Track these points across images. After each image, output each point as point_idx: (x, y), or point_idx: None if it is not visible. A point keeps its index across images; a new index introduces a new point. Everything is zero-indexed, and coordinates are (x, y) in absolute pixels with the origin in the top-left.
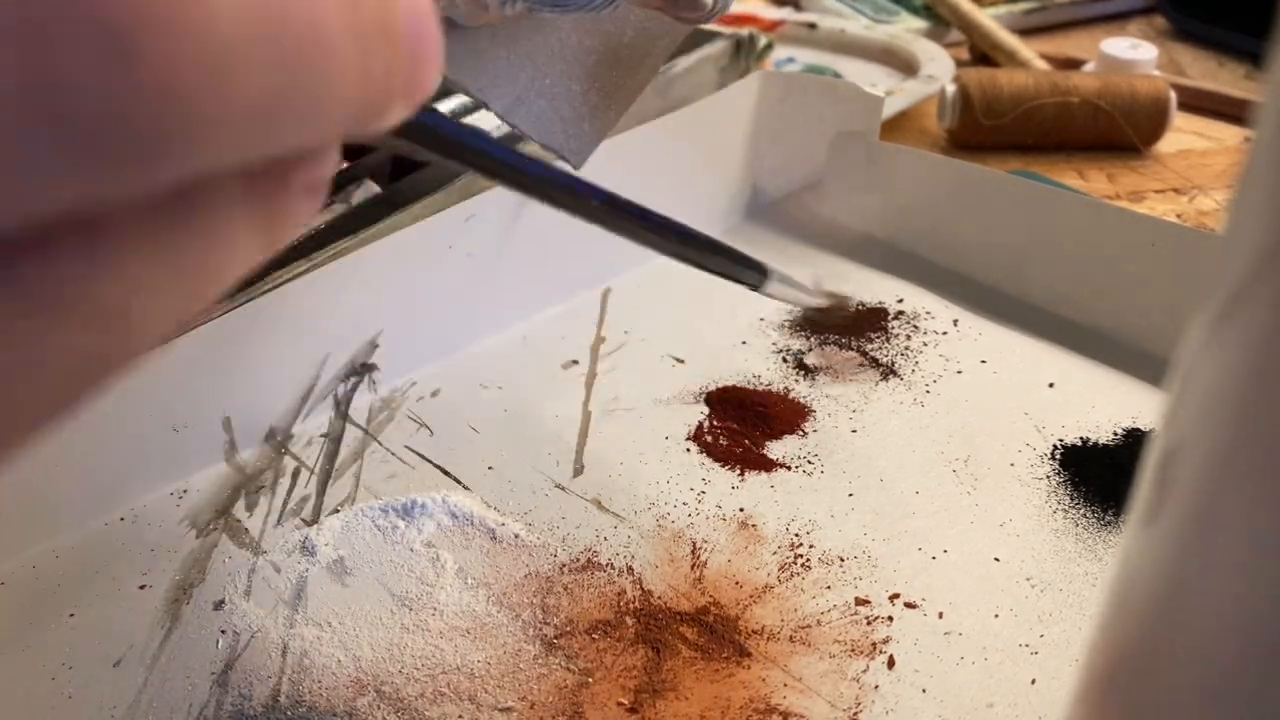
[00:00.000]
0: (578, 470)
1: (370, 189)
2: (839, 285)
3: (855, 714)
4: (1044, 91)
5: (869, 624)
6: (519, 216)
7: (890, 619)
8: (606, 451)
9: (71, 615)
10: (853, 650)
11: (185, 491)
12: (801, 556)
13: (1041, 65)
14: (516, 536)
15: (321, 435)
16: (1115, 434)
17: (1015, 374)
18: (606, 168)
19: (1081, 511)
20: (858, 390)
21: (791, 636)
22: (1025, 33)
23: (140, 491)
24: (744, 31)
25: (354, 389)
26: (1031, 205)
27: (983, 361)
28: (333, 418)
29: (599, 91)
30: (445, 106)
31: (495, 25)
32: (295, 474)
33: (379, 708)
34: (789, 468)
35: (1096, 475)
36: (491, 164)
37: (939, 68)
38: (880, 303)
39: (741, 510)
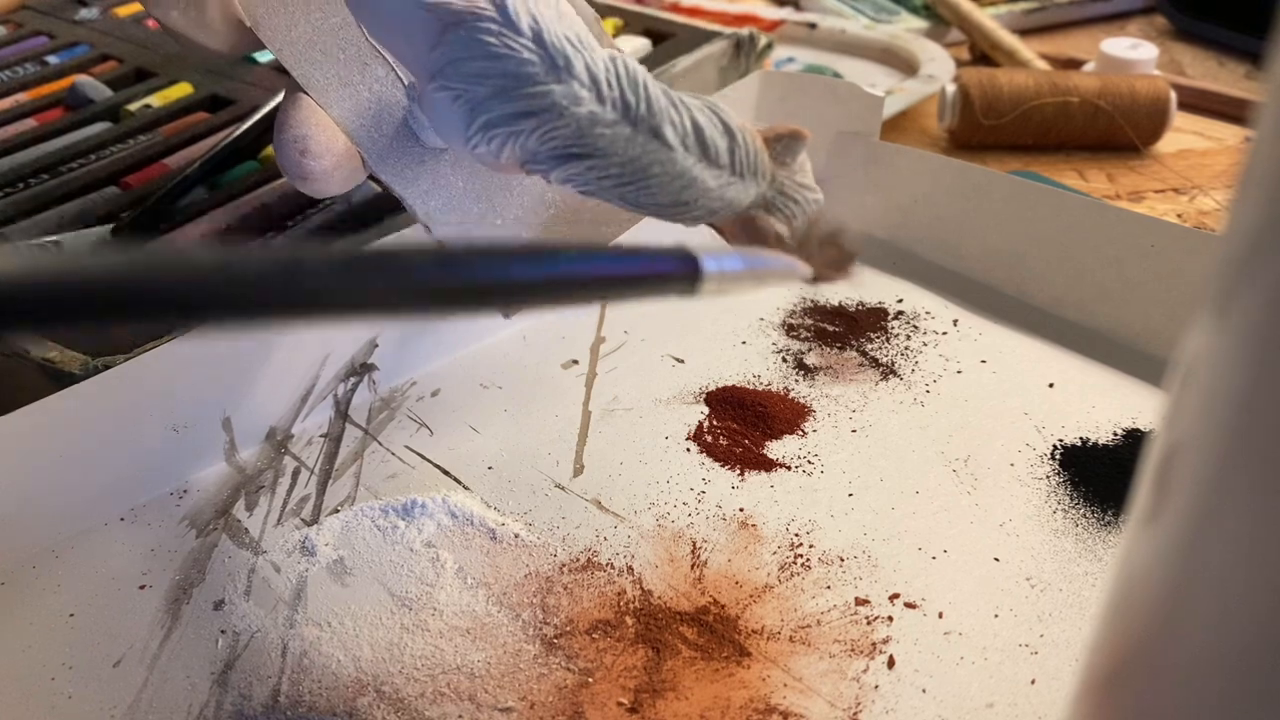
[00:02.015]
0: (578, 470)
1: (370, 189)
2: (839, 284)
3: (855, 714)
4: (1044, 91)
5: (869, 624)
6: None
7: (890, 619)
8: (606, 451)
9: (71, 615)
10: (853, 650)
11: (185, 491)
12: (801, 556)
13: (1041, 65)
14: (516, 536)
15: (321, 435)
16: (1115, 434)
17: (1015, 374)
18: None
19: (1081, 512)
20: (857, 390)
21: (791, 636)
22: (1025, 32)
23: (140, 491)
24: (744, 31)
25: (354, 389)
26: (1032, 205)
27: (983, 361)
28: (333, 417)
29: None
30: None
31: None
32: (295, 474)
33: (379, 707)
34: (789, 467)
35: (1096, 475)
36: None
37: (939, 67)
38: (880, 303)
39: (741, 510)
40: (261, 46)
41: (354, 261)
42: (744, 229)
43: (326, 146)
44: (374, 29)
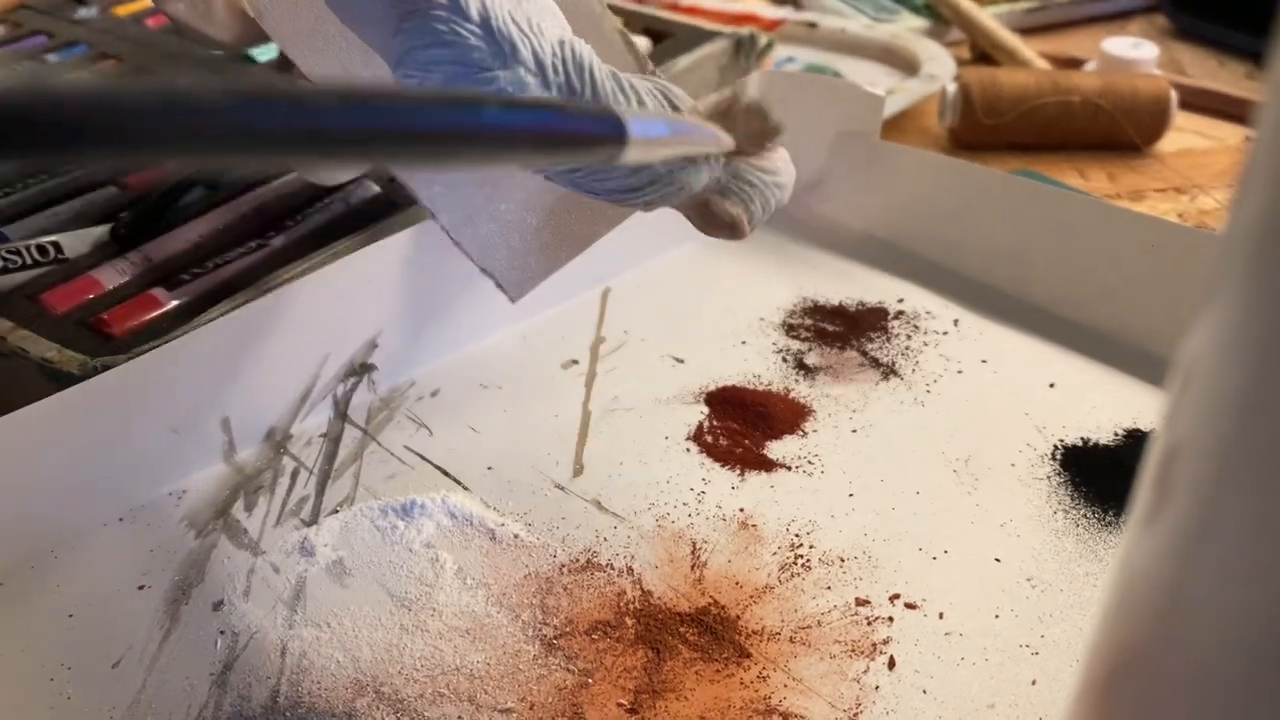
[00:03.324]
0: (578, 470)
1: (370, 189)
2: (840, 284)
3: (855, 714)
4: (1045, 90)
5: (869, 624)
6: None
7: (891, 619)
8: (606, 451)
9: (71, 615)
10: (853, 651)
11: (184, 492)
12: (802, 557)
13: (1042, 64)
14: (516, 537)
15: (321, 435)
16: (1116, 434)
17: (1016, 374)
18: None
19: (1082, 512)
20: (858, 390)
21: (792, 637)
22: (1026, 32)
23: (139, 492)
24: (744, 31)
25: (353, 389)
26: (1032, 205)
27: (983, 361)
28: (332, 418)
29: (553, 230)
30: None
31: None
32: (294, 474)
33: (378, 708)
34: (789, 468)
35: (1097, 475)
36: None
37: (940, 67)
38: (881, 302)
39: (741, 510)
40: (266, 38)
41: (253, 99)
42: (700, 213)
43: None
44: (344, 17)
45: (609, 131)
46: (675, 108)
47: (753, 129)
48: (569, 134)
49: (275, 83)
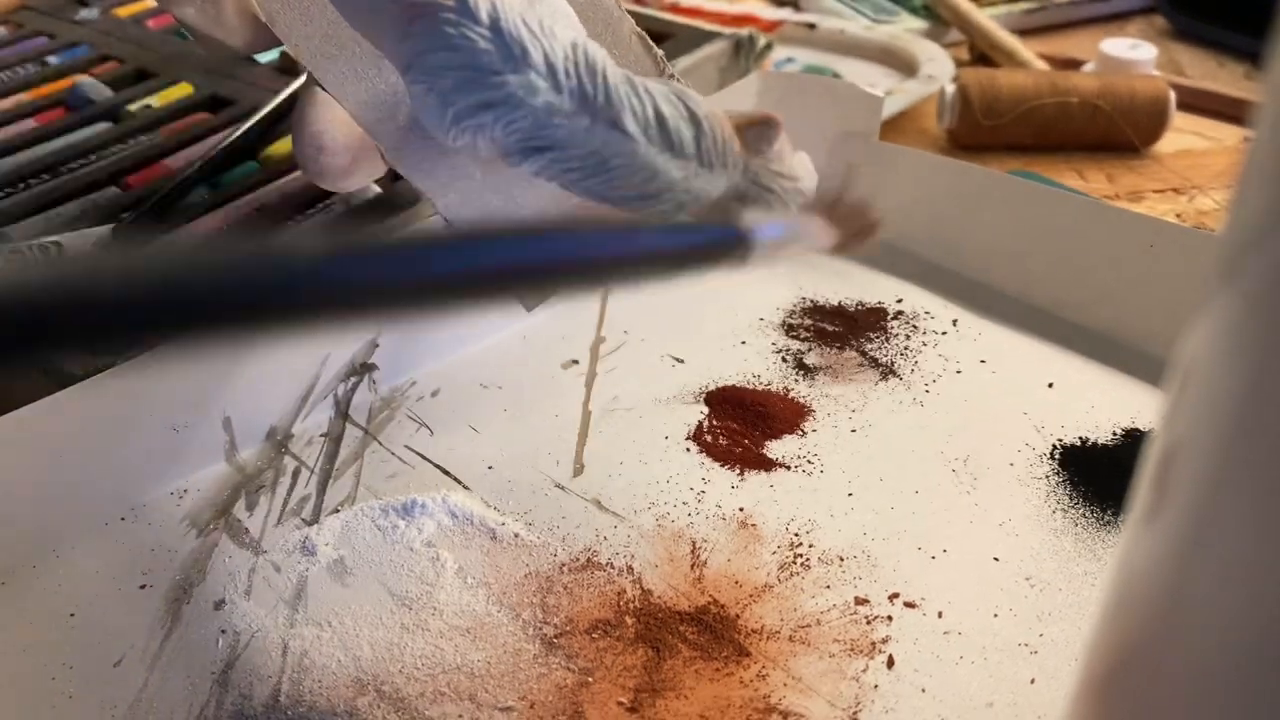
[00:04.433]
0: (578, 470)
1: (370, 190)
2: (839, 284)
3: (855, 713)
4: (1043, 91)
5: (868, 623)
6: None
7: (890, 618)
8: (606, 451)
9: (71, 615)
10: (852, 649)
11: (185, 491)
12: (801, 556)
13: (1041, 65)
14: (516, 536)
15: (321, 435)
16: (1114, 434)
17: (1014, 374)
18: None
19: (1081, 511)
20: (857, 390)
21: (791, 636)
22: (1025, 33)
23: (140, 491)
24: (743, 31)
25: (354, 388)
26: (1031, 205)
27: (982, 361)
28: (333, 417)
29: None
30: None
31: None
32: (295, 474)
33: (379, 707)
34: (788, 467)
35: (1096, 475)
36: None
37: (938, 68)
38: (879, 302)
39: (741, 510)
40: (278, 43)
41: (368, 252)
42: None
43: (344, 144)
44: (352, 21)
45: (736, 242)
46: (692, 111)
47: (855, 225)
48: (697, 251)
49: (439, 229)
